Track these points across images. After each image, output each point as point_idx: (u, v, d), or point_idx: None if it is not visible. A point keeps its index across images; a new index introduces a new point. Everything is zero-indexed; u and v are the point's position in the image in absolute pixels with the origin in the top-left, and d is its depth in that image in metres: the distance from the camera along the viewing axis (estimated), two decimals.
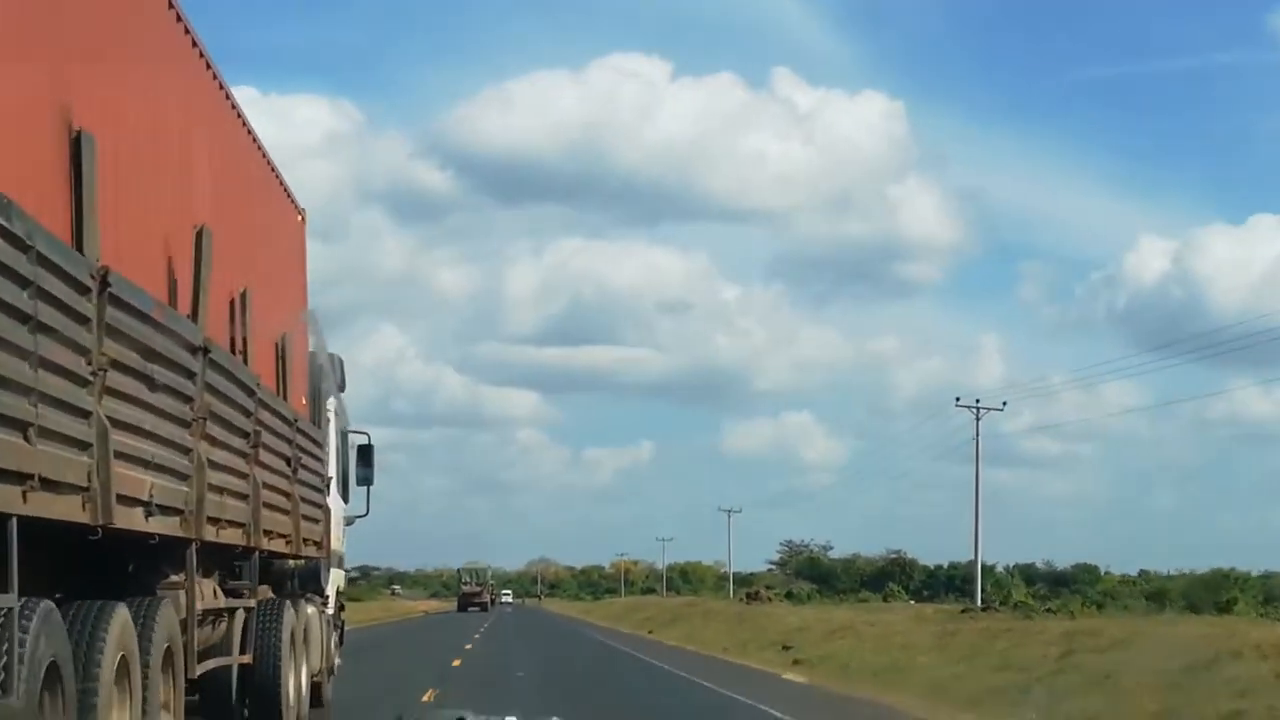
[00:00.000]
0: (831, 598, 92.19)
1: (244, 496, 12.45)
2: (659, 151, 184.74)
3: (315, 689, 18.33)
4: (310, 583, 17.63)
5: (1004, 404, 72.25)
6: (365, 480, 22.02)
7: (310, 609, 17.56)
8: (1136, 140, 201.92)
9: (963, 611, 52.95)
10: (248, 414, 12.54)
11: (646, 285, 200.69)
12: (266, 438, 13.42)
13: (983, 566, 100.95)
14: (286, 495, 14.94)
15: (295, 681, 15.58)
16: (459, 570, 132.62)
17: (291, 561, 16.79)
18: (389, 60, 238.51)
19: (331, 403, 19.86)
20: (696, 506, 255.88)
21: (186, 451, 10.23)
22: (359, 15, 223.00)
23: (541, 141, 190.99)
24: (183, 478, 10.16)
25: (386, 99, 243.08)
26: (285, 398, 15.34)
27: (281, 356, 15.55)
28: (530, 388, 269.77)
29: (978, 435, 70.37)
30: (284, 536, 14.73)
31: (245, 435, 12.52)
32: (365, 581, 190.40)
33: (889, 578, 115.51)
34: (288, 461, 14.92)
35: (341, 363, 20.44)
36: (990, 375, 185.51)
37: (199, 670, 11.22)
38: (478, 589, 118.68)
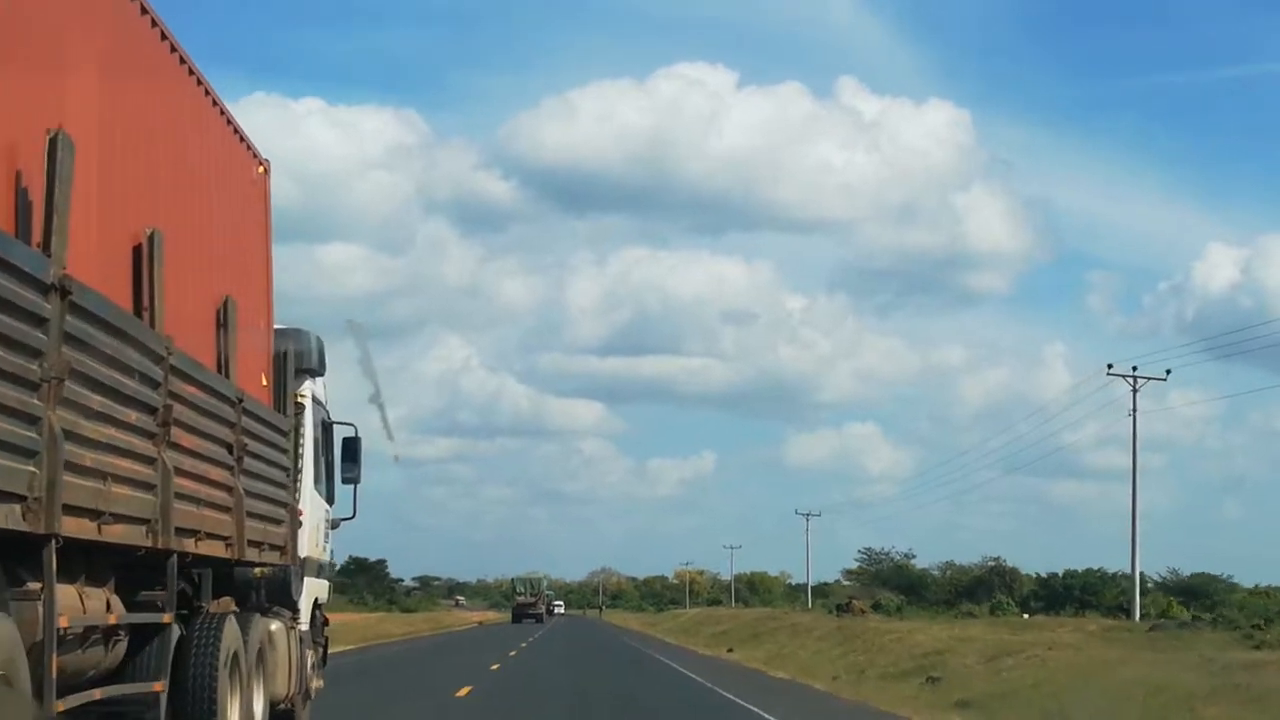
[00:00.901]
0: (927, 610, 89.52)
1: (148, 486, 10.67)
2: (724, 161, 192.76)
3: (284, 719, 16.65)
4: (278, 594, 16.15)
5: (1168, 372, 64.10)
6: (352, 478, 20.57)
7: (275, 625, 15.97)
8: (1204, 146, 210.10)
9: (1150, 630, 45.84)
10: (154, 385, 10.77)
11: (710, 295, 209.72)
12: (187, 416, 11.67)
13: (1103, 575, 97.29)
14: (226, 489, 13.21)
15: (243, 711, 13.86)
16: (513, 580, 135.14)
17: (256, 570, 15.18)
18: (454, 71, 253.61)
19: (309, 388, 18.40)
20: (760, 517, 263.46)
21: (33, 421, 8.47)
22: (425, 26, 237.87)
23: (606, 151, 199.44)
24: (28, 455, 8.41)
25: (452, 110, 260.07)
26: (227, 374, 13.59)
27: (223, 324, 13.80)
28: (593, 398, 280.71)
29: (1135, 410, 62.54)
30: (222, 539, 12.99)
31: (150, 410, 10.76)
32: (422, 592, 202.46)
33: (988, 588, 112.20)
34: (229, 449, 13.18)
35: (321, 343, 18.85)
36: (1058, 384, 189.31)
37: (68, 703, 9.46)
38: (532, 599, 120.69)
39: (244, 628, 14.11)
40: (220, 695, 12.83)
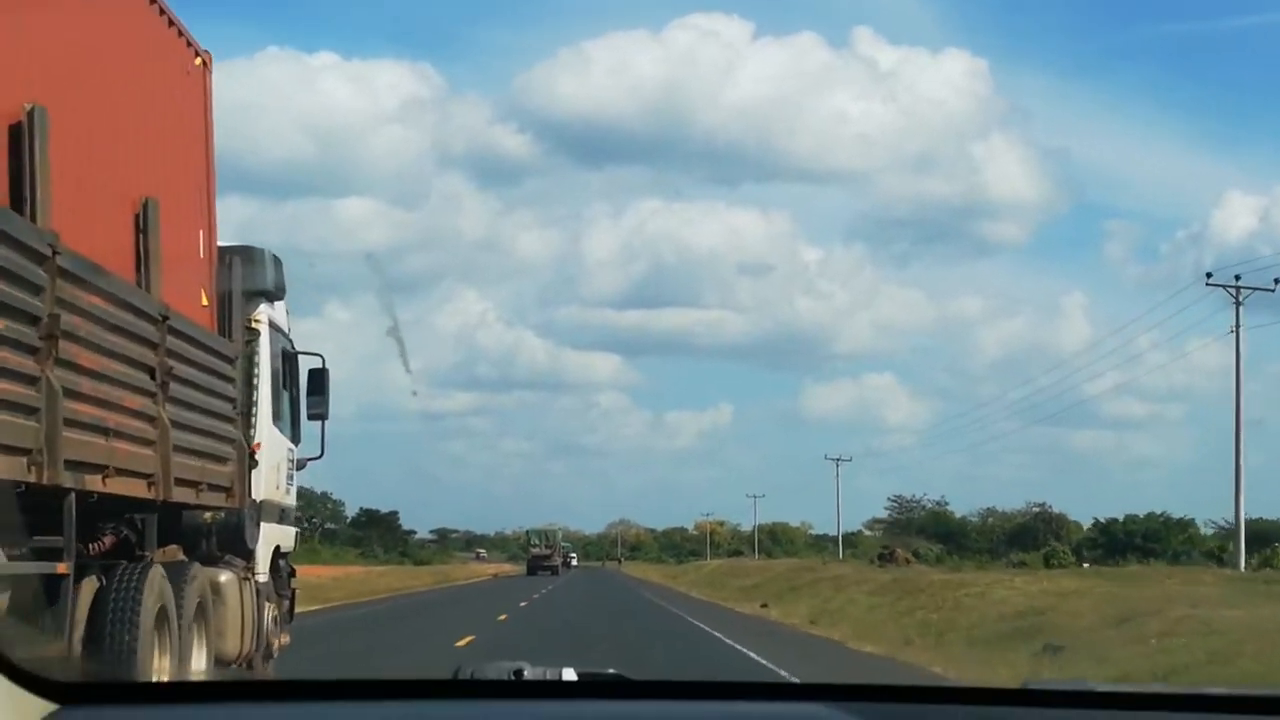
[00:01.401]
0: (971, 559, 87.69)
1: (28, 410, 9.21)
2: (739, 112, 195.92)
3: None
4: (231, 541, 15.42)
5: (1276, 282, 59.09)
6: (318, 413, 19.39)
7: (224, 576, 15.21)
8: (1223, 95, 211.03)
9: None
10: (34, 289, 9.30)
11: (727, 247, 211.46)
12: (85, 330, 10.22)
13: (1167, 521, 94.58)
14: (147, 419, 11.76)
15: (176, 671, 12.47)
16: (527, 532, 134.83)
17: (207, 515, 14.52)
18: (469, 24, 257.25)
19: (265, 313, 17.26)
20: (778, 469, 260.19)
21: None
22: None
23: (621, 103, 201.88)
24: None
25: (467, 63, 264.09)
26: (147, 286, 12.11)
27: (143, 229, 12.30)
28: (611, 351, 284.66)
29: (1238, 325, 58.36)
30: (142, 476, 11.56)
31: (31, 319, 9.31)
32: (439, 545, 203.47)
33: (1031, 535, 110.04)
34: (150, 373, 11.73)
35: (278, 262, 17.39)
36: (1077, 334, 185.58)
37: None
38: (547, 551, 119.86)
39: (177, 578, 12.79)
40: (141, 653, 11.45)
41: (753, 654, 30.57)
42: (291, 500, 19.14)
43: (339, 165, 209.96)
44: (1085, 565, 75.07)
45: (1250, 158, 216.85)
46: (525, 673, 4.42)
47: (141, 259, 12.32)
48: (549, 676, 4.47)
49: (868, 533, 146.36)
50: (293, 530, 19.38)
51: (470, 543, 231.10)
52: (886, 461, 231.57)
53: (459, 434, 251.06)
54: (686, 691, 4.58)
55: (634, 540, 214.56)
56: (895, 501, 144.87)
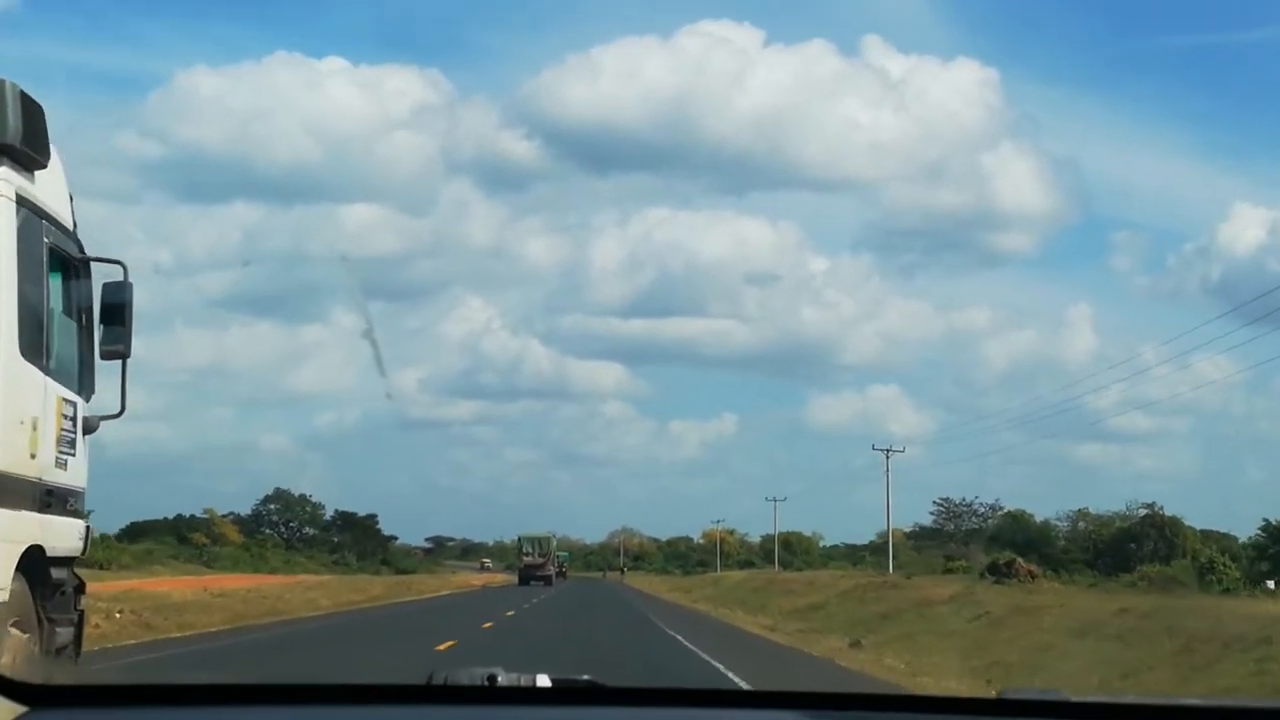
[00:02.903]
0: (1080, 575, 62.71)
1: None
2: (749, 120, 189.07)
3: None
4: None
5: None
6: (115, 350, 13.06)
7: None
8: (1233, 106, 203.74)
9: None
10: None
11: (734, 256, 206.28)
12: None
13: None
14: None
15: None
16: (519, 539, 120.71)
17: None
18: (478, 29, 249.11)
19: (9, 178, 11.31)
20: (784, 479, 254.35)
21: None
22: None
23: (629, 109, 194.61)
24: None
25: (475, 69, 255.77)
26: None
27: None
28: (616, 360, 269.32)
29: None
30: None
31: None
32: (437, 553, 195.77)
33: (1139, 543, 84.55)
34: None
35: (31, 106, 11.45)
36: (1084, 346, 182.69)
37: None
38: (541, 559, 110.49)
39: None
40: None
41: None
42: (73, 478, 12.76)
43: (347, 171, 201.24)
44: (1272, 584, 49.79)
45: (1259, 170, 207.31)
46: (499, 678, 4.42)
47: None
48: (523, 682, 4.47)
49: (912, 542, 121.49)
50: (75, 524, 12.89)
51: (467, 551, 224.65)
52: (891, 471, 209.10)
53: (462, 442, 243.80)
54: (661, 698, 4.59)
55: (637, 549, 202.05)
56: (943, 505, 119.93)
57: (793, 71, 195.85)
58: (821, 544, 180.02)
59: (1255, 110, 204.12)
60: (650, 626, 45.17)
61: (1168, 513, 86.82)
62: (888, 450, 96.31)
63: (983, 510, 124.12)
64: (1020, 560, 52.75)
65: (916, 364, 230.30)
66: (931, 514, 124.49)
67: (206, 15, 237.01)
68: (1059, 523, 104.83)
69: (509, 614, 50.83)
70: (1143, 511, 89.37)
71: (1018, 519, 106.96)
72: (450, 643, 32.56)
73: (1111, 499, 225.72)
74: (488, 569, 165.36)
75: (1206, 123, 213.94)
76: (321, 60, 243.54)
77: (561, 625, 43.13)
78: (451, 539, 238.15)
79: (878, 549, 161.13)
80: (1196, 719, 4.23)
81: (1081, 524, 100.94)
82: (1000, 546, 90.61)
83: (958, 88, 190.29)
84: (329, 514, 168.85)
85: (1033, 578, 51.81)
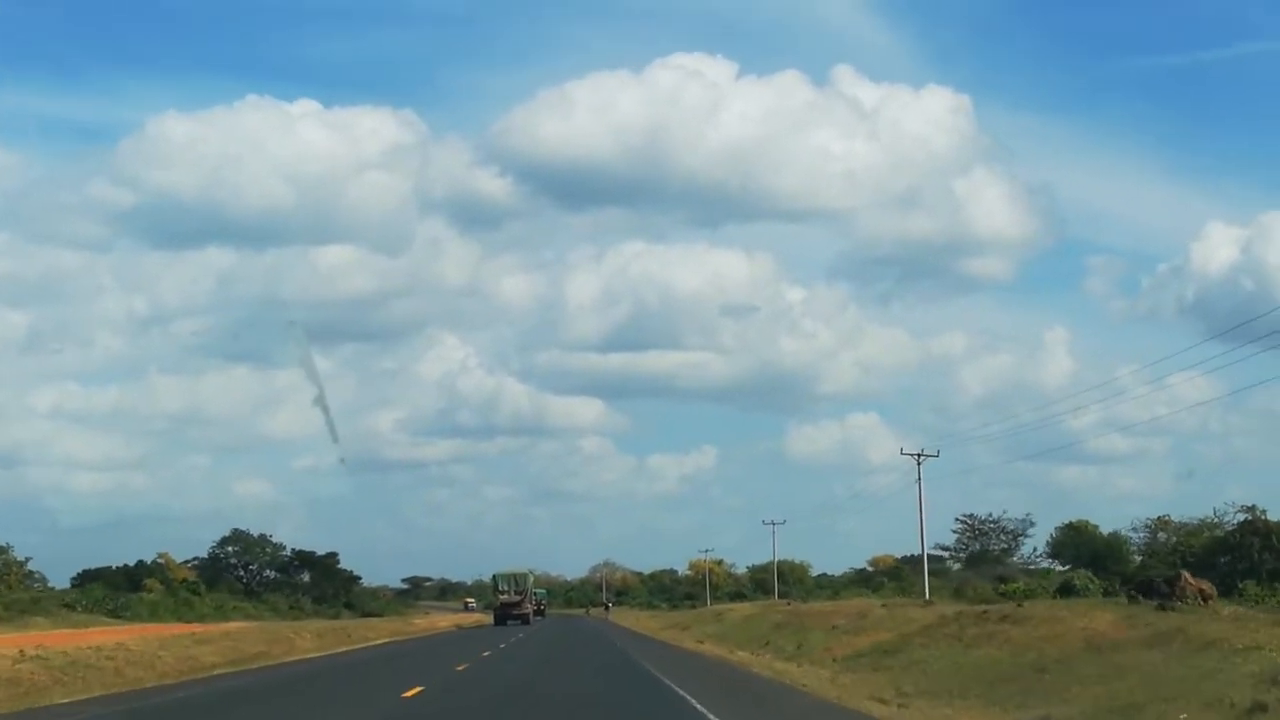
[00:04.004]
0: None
1: None
2: (721, 152, 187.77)
3: None
4: None
5: None
6: None
7: None
8: (1203, 127, 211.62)
9: None
10: None
11: (710, 288, 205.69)
12: None
13: None
14: None
15: None
16: (494, 577, 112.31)
17: None
18: (449, 68, 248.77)
19: None
20: (764, 509, 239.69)
21: None
22: (418, 24, 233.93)
23: (602, 144, 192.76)
24: None
25: (446, 108, 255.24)
26: None
27: None
28: (593, 395, 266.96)
29: None
30: None
31: None
32: (405, 594, 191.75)
33: (1233, 554, 67.50)
34: None
35: None
36: (1061, 370, 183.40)
37: None
38: (517, 598, 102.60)
39: None
40: None
41: None
42: None
43: (320, 212, 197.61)
44: None
45: (1230, 189, 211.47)
46: None
47: None
48: None
49: (944, 557, 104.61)
50: None
51: (445, 591, 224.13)
52: (869, 501, 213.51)
53: (439, 481, 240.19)
54: None
55: (619, 584, 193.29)
56: (966, 522, 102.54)
57: (765, 103, 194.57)
58: (810, 573, 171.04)
59: (1225, 128, 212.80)
60: (669, 697, 27.56)
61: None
62: (918, 455, 79.24)
63: (1012, 526, 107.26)
64: (1188, 575, 35.48)
65: (894, 391, 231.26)
66: (955, 532, 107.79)
67: (177, 62, 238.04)
68: (1132, 534, 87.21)
69: (458, 668, 33.40)
70: (1240, 516, 71.88)
71: (1079, 531, 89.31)
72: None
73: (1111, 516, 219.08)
74: (472, 609, 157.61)
75: (1177, 143, 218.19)
76: (293, 103, 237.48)
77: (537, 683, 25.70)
78: (429, 579, 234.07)
79: (892, 573, 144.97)
80: None
81: (1162, 534, 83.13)
82: (1064, 563, 73.24)
83: (930, 115, 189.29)
84: (289, 554, 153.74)
85: (1205, 599, 34.51)
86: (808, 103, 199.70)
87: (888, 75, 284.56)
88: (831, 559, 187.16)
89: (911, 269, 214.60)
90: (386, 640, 69.54)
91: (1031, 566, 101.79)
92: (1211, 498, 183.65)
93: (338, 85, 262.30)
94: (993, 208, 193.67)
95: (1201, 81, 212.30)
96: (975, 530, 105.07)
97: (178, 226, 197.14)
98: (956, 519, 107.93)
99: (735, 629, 68.08)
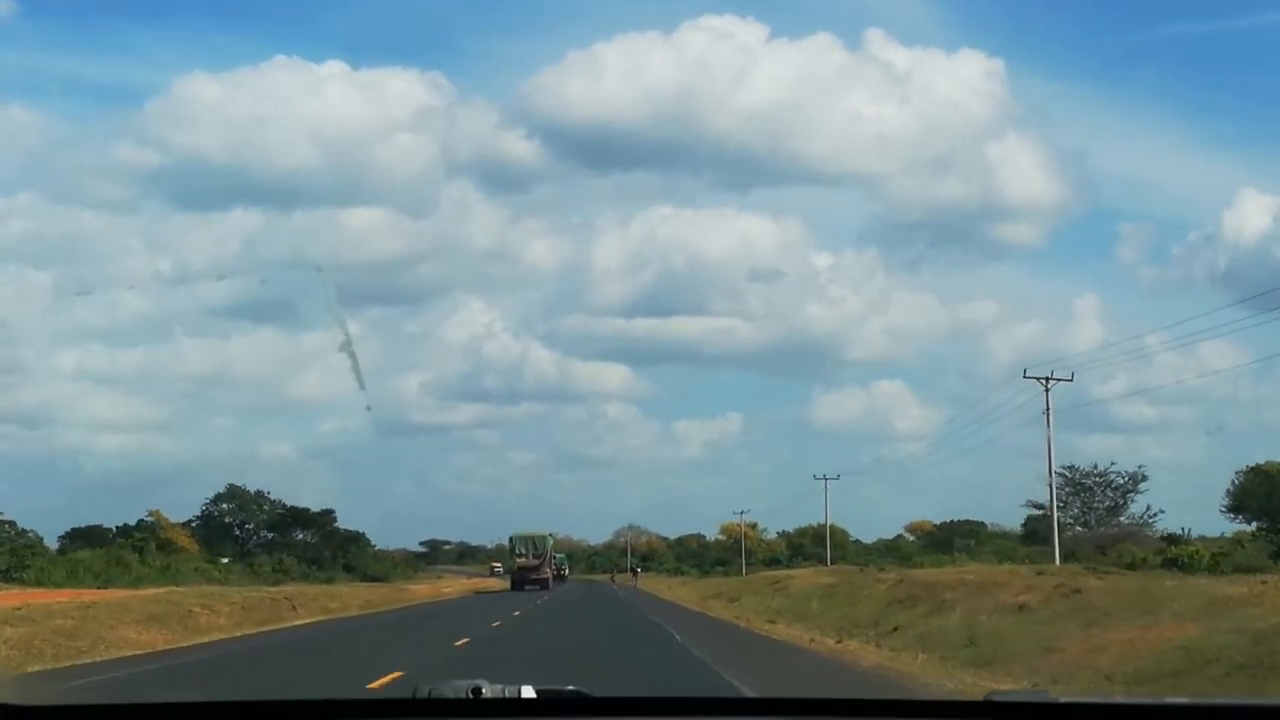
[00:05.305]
0: None
1: None
2: (752, 115, 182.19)
3: None
4: None
5: None
6: None
7: None
8: (1237, 94, 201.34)
9: None
10: None
11: (738, 253, 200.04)
12: None
13: None
14: None
15: None
16: (511, 539, 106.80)
17: None
18: (478, 30, 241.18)
19: None
20: (789, 476, 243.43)
21: None
22: None
23: (631, 106, 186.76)
24: None
25: (476, 71, 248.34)
26: None
27: None
28: (619, 360, 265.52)
29: None
30: None
31: None
32: (409, 559, 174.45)
33: None
34: None
35: None
36: (1090, 338, 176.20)
37: None
38: (536, 561, 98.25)
39: None
40: None
41: None
42: None
43: (348, 174, 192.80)
44: None
45: (1264, 158, 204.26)
46: (484, 690, 4.26)
47: None
48: (508, 694, 4.29)
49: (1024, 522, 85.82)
50: None
51: (463, 555, 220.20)
52: (895, 470, 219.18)
53: (464, 446, 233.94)
54: (647, 708, 4.45)
55: (645, 549, 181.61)
56: (1067, 475, 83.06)
57: (796, 66, 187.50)
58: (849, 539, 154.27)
59: (1260, 96, 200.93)
60: None
61: None
62: (1047, 379, 60.27)
63: (1120, 481, 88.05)
64: None
65: (922, 358, 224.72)
66: (1056, 484, 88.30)
67: (204, 22, 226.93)
68: None
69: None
70: None
71: (1273, 478, 68.98)
72: None
73: None
74: (498, 573, 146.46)
75: (1212, 111, 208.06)
76: (321, 65, 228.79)
77: None
78: (448, 542, 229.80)
79: (941, 541, 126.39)
80: (1182, 718, 4.01)
81: None
82: (1249, 518, 54.03)
83: (962, 79, 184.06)
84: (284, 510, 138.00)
85: None
86: (839, 66, 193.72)
87: (920, 40, 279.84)
88: (859, 527, 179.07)
89: (942, 235, 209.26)
90: (334, 616, 50.87)
91: (1144, 527, 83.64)
92: None
93: (367, 47, 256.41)
94: (1025, 174, 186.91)
95: (1236, 49, 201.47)
96: (1077, 485, 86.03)
97: (204, 187, 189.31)
98: (1057, 471, 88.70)
99: (809, 603, 49.31)
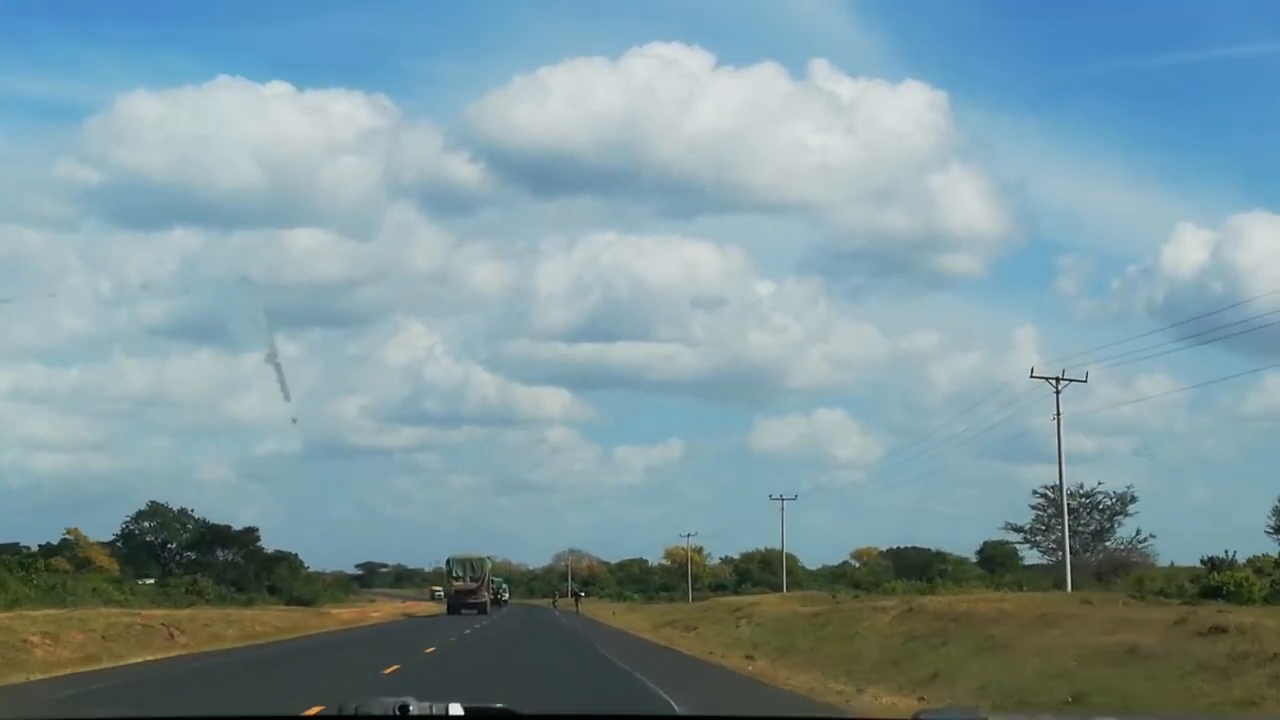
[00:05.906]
0: None
1: None
2: (697, 143, 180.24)
3: None
4: None
5: None
6: None
7: None
8: (1178, 130, 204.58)
9: None
10: None
11: (681, 280, 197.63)
12: None
13: None
14: None
15: None
16: (448, 561, 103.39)
17: None
18: (424, 53, 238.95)
19: None
20: (730, 503, 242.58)
21: None
22: (394, 8, 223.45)
23: (577, 132, 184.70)
24: None
25: (421, 94, 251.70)
26: None
27: None
28: (561, 385, 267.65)
29: None
30: None
31: None
32: (335, 582, 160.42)
33: None
34: None
35: None
36: (1028, 368, 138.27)
37: None
38: (473, 585, 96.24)
39: None
40: None
41: None
42: None
43: (290, 195, 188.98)
44: None
45: (1201, 193, 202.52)
46: (411, 708, 4.26)
47: None
48: (435, 711, 4.31)
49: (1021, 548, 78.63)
50: None
51: (400, 578, 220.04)
52: (836, 497, 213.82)
53: (403, 469, 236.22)
54: None
55: (586, 573, 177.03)
56: (1049, 494, 75.38)
57: (742, 95, 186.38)
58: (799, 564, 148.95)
59: (1196, 132, 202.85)
60: None
61: None
62: (1057, 379, 52.67)
63: (1107, 503, 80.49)
64: None
65: (863, 386, 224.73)
66: (1034, 508, 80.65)
67: (148, 40, 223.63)
68: None
69: None
70: None
71: None
72: None
73: None
74: (439, 597, 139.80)
75: (1148, 146, 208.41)
76: (266, 85, 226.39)
77: None
78: (385, 565, 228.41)
79: (820, 576, 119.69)
80: None
81: None
82: None
83: (906, 110, 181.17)
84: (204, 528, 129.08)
85: None
86: (785, 95, 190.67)
87: (865, 70, 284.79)
88: (804, 553, 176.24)
89: (884, 264, 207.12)
90: (222, 646, 42.02)
91: (1131, 552, 76.53)
92: None
93: (311, 68, 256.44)
94: (967, 204, 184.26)
95: (1174, 84, 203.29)
96: (1059, 508, 78.62)
97: (145, 206, 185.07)
98: (1035, 492, 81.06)
99: (790, 636, 41.21)
